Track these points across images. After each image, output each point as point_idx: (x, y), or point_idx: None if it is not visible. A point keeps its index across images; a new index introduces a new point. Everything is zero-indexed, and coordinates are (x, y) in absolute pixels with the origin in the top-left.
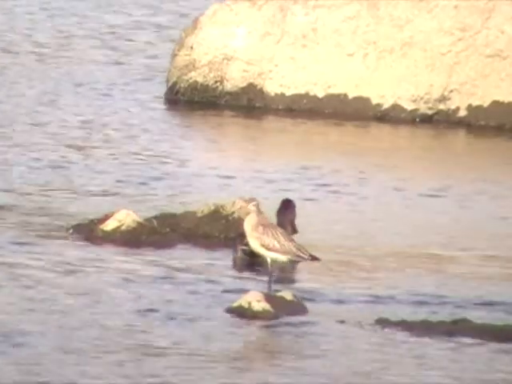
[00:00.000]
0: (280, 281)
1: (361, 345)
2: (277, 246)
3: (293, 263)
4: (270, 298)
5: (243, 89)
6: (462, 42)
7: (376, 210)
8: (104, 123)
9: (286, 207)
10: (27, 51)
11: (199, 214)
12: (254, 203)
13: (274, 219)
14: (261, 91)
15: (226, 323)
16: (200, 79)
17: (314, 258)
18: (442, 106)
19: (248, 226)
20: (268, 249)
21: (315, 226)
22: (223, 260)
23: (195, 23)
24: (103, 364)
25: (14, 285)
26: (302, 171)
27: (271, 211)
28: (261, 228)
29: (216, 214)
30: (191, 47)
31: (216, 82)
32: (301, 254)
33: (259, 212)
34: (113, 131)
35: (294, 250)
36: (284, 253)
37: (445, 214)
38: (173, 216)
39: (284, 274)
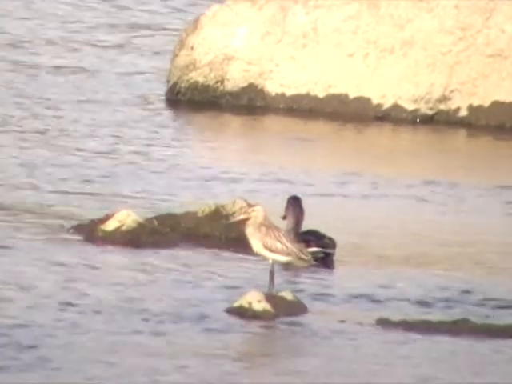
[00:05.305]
0: (281, 281)
1: (361, 345)
2: (279, 247)
3: (295, 265)
4: (270, 298)
5: (244, 89)
6: (462, 42)
7: (377, 210)
8: (104, 123)
9: (297, 205)
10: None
11: (200, 214)
12: (257, 207)
13: (275, 219)
14: (261, 91)
15: (226, 323)
16: (201, 79)
17: (317, 260)
18: (442, 106)
19: (250, 227)
20: (271, 250)
21: (316, 226)
22: (224, 260)
23: (196, 23)
24: (101, 363)
25: (13, 285)
26: (303, 171)
27: (271, 211)
28: (264, 229)
29: (216, 214)
30: (192, 47)
31: (217, 81)
32: (303, 256)
33: (264, 214)
34: (113, 132)
35: (297, 251)
36: (286, 254)
37: (446, 214)
38: (173, 216)
39: (285, 274)
